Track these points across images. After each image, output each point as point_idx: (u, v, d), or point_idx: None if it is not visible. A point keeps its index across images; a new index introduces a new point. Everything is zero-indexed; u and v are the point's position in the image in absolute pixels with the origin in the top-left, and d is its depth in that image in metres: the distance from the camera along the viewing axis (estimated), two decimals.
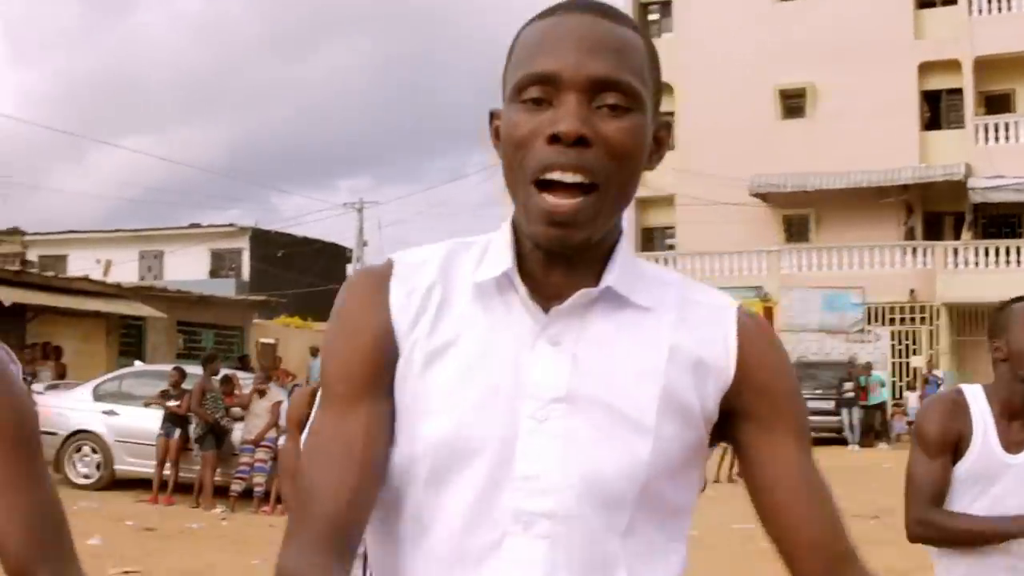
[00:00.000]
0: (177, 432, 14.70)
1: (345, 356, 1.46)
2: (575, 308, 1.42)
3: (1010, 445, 3.26)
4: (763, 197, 34.48)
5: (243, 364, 27.23)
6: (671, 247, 36.49)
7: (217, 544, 11.59)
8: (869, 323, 30.88)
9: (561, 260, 1.42)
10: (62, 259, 43.87)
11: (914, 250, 31.82)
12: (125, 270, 41.81)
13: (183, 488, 14.80)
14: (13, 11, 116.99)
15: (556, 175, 1.34)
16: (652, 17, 38.07)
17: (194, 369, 15.75)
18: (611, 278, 1.43)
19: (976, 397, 3.35)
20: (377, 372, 1.44)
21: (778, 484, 1.44)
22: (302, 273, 42.01)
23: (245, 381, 16.14)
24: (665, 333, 1.43)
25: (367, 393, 1.43)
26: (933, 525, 3.26)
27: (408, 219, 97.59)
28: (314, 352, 26.75)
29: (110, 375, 17.41)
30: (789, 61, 33.97)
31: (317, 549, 1.35)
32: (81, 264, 41.42)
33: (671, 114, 36.88)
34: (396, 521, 1.44)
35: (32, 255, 43.54)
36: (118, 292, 25.51)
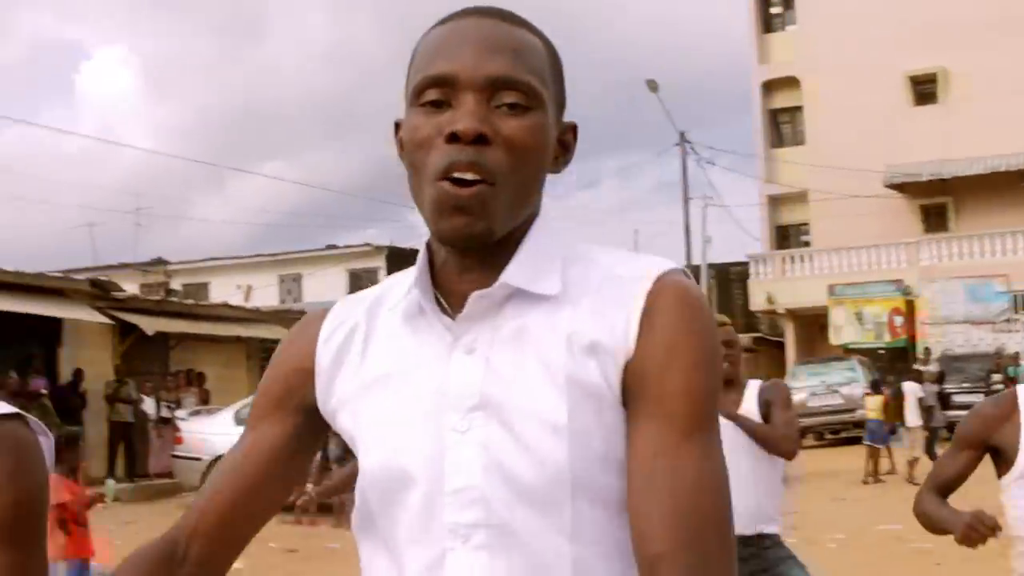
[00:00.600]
0: (317, 453, 14.88)
1: (262, 383, 1.58)
2: (482, 312, 1.40)
3: None
4: (899, 188, 33.79)
5: None
6: (806, 244, 35.84)
7: (357, 564, 11.66)
8: (1016, 312, 29.85)
9: (473, 263, 1.41)
10: (204, 287, 44.85)
11: None
12: (265, 294, 42.73)
13: (325, 508, 14.91)
14: (149, 48, 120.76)
15: (456, 174, 1.33)
16: (775, 11, 37.59)
17: None
18: (508, 274, 1.40)
19: None
20: (283, 398, 1.54)
21: (631, 471, 1.33)
22: None
23: None
24: (565, 320, 1.38)
25: (267, 416, 1.54)
26: (919, 506, 3.46)
27: None
28: None
29: (250, 399, 17.68)
30: (917, 46, 33.15)
31: (155, 546, 1.52)
32: (222, 290, 42.36)
33: (798, 108, 36.33)
34: (373, 548, 1.46)
35: (176, 284, 44.61)
36: (256, 316, 25.99)
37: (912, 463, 16.97)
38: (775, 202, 36.69)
